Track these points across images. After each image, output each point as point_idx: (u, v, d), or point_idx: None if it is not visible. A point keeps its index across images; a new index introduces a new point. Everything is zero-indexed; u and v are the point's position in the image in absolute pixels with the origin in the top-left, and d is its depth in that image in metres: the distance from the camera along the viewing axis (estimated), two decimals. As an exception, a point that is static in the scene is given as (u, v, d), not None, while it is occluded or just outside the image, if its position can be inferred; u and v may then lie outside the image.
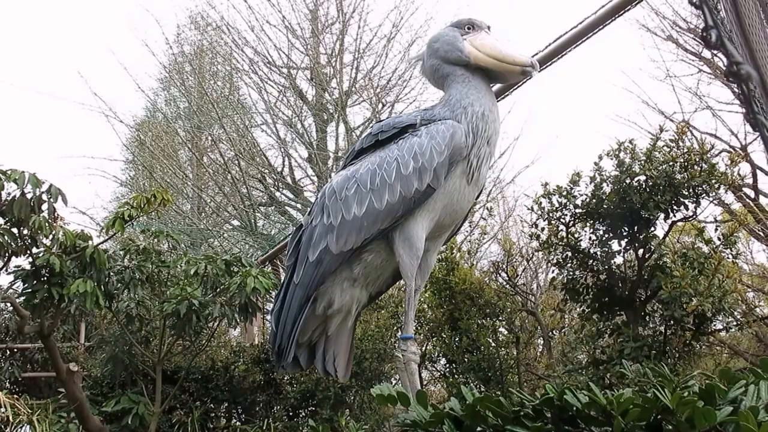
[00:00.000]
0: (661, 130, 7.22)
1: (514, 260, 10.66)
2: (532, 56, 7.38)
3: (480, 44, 3.90)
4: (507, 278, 10.27)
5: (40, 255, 7.31)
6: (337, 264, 3.93)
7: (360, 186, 3.88)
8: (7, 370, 10.67)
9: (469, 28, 4.01)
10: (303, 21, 16.43)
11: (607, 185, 7.07)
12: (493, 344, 9.11)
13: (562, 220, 7.52)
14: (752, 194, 11.83)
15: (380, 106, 16.01)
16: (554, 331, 10.78)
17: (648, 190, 6.75)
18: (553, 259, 7.81)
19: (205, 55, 17.99)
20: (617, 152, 7.12)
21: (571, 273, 7.58)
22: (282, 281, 4.33)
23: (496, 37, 3.98)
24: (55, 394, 9.41)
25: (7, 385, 10.52)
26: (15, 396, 7.21)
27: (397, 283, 4.62)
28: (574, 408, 2.27)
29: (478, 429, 2.47)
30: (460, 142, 3.74)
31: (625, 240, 7.19)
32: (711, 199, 7.17)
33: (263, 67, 16.46)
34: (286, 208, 16.64)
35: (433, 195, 3.79)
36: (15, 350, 11.20)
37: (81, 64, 36.76)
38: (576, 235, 7.57)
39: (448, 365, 9.56)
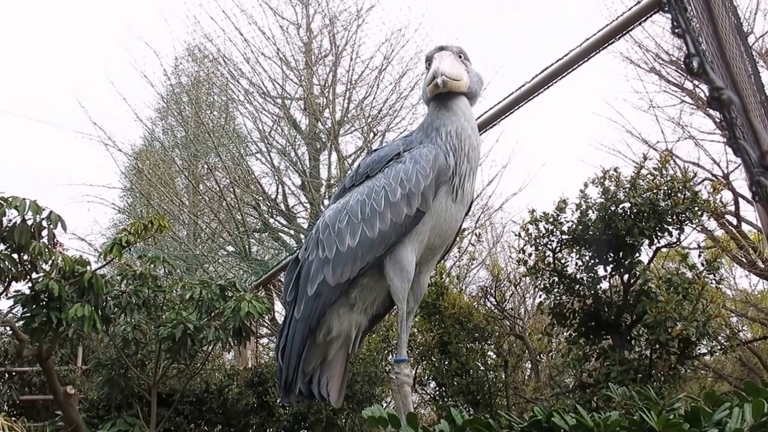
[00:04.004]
0: (645, 158, 7.39)
1: (502, 285, 10.79)
2: (520, 86, 7.70)
3: (426, 81, 3.98)
4: (495, 303, 10.37)
5: (40, 280, 7.41)
6: (335, 295, 3.99)
7: (351, 217, 3.95)
8: (6, 393, 10.66)
9: (428, 66, 4.10)
10: (297, 53, 16.58)
11: (593, 212, 7.21)
12: (481, 368, 9.20)
13: (549, 246, 7.63)
14: (734, 221, 12.05)
15: (371, 135, 16.13)
16: (542, 355, 10.86)
17: (632, 217, 6.88)
18: (540, 284, 7.92)
19: (201, 86, 18.06)
20: (602, 180, 7.28)
21: (558, 298, 7.67)
22: (284, 317, 4.37)
23: (440, 59, 4.04)
24: (52, 416, 9.51)
25: (6, 407, 10.49)
26: (13, 419, 7.23)
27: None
28: (562, 430, 2.31)
29: (468, 450, 2.50)
30: (443, 163, 3.82)
31: (611, 265, 7.30)
32: (694, 225, 7.30)
33: (258, 97, 16.58)
34: (280, 234, 16.71)
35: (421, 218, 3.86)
36: (13, 373, 11.20)
37: (81, 94, 36.81)
38: (563, 261, 7.68)
39: (437, 388, 9.59)
